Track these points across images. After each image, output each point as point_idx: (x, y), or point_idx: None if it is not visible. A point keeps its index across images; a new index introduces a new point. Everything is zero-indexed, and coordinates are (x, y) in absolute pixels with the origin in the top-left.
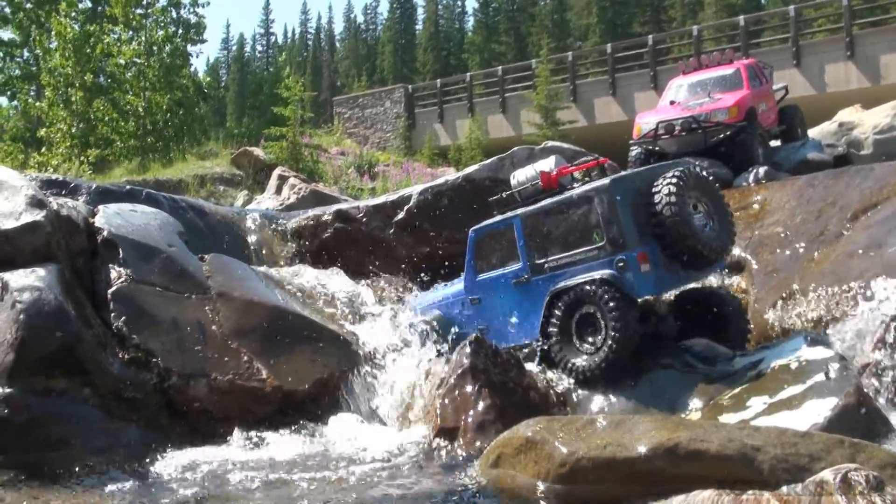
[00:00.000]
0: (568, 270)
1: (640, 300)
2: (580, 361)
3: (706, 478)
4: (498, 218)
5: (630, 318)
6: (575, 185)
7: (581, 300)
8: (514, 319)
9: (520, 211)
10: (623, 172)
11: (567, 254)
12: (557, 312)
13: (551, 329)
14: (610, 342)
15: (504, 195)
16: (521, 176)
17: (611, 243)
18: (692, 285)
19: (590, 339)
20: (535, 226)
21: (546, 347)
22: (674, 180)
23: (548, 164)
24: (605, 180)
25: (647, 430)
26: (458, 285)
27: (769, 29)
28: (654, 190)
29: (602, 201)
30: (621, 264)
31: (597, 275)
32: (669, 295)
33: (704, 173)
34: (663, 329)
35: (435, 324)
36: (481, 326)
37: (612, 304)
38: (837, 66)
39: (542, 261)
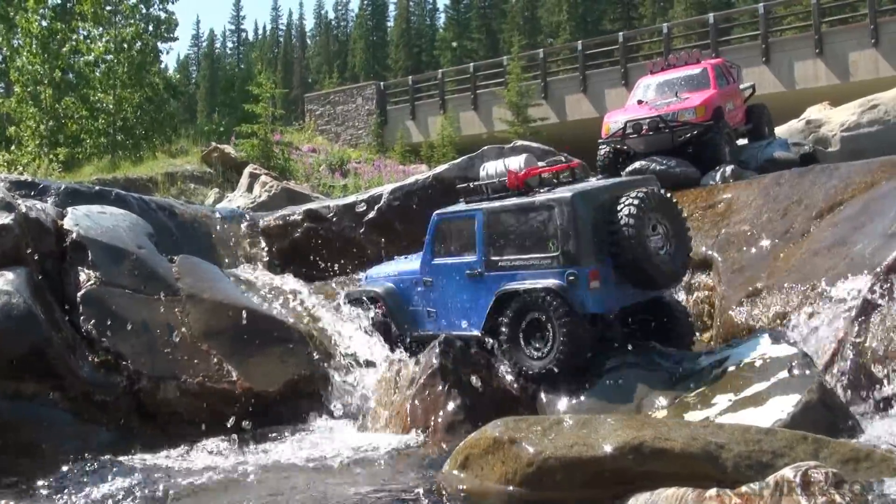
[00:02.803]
0: (519, 273)
1: None
2: (528, 365)
3: (671, 476)
4: (463, 207)
5: (580, 328)
6: (542, 187)
7: (529, 307)
8: (461, 309)
9: (484, 205)
10: (587, 185)
11: (521, 256)
12: (508, 315)
13: (500, 330)
14: (557, 353)
15: (472, 185)
16: (490, 169)
17: (564, 255)
18: None
19: (537, 345)
20: (496, 223)
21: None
22: (636, 202)
23: (517, 162)
24: (568, 193)
25: (613, 429)
26: (414, 263)
27: (739, 26)
28: (616, 208)
29: (562, 213)
30: (572, 278)
31: (545, 283)
32: None
33: (668, 195)
34: (609, 335)
35: (386, 297)
36: (430, 309)
37: (560, 311)
38: (806, 64)
39: (497, 258)
